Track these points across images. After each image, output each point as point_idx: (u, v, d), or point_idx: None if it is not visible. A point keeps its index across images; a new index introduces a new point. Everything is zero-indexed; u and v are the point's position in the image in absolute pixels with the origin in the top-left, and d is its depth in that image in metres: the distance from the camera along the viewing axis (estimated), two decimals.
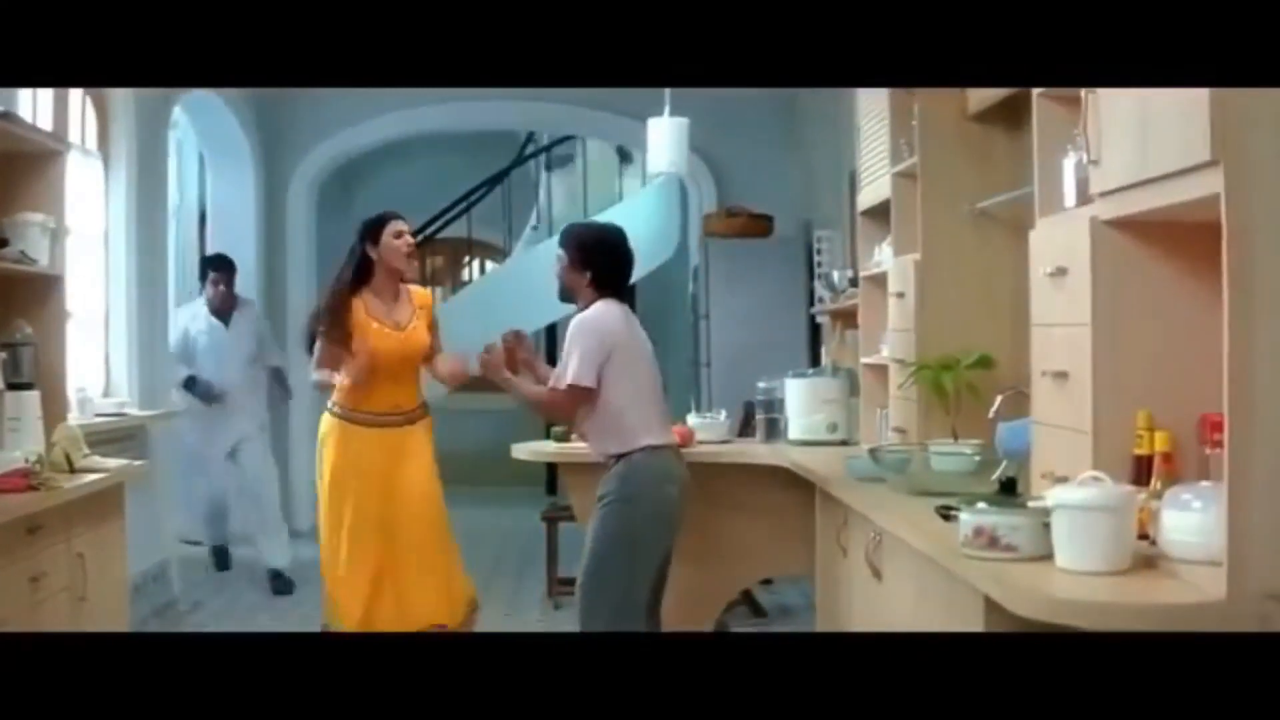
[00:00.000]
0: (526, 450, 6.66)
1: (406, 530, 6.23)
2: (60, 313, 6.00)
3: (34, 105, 6.50)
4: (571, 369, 5.27)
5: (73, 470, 5.47)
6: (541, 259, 13.48)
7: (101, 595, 5.43)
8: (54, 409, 5.72)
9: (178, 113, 9.62)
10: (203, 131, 10.62)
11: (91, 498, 5.39)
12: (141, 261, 8.27)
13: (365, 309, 6.21)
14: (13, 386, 5.53)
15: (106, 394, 7.90)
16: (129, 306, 8.18)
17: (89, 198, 7.81)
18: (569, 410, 5.41)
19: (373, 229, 6.28)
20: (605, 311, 5.37)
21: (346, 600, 6.23)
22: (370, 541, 6.19)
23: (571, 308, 5.51)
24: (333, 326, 6.17)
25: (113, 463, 5.64)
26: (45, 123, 6.46)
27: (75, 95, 7.47)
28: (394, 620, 6.19)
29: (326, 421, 6.26)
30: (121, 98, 8.14)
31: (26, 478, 5.01)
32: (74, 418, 6.25)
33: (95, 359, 7.94)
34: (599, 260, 5.44)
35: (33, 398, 5.54)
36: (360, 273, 6.26)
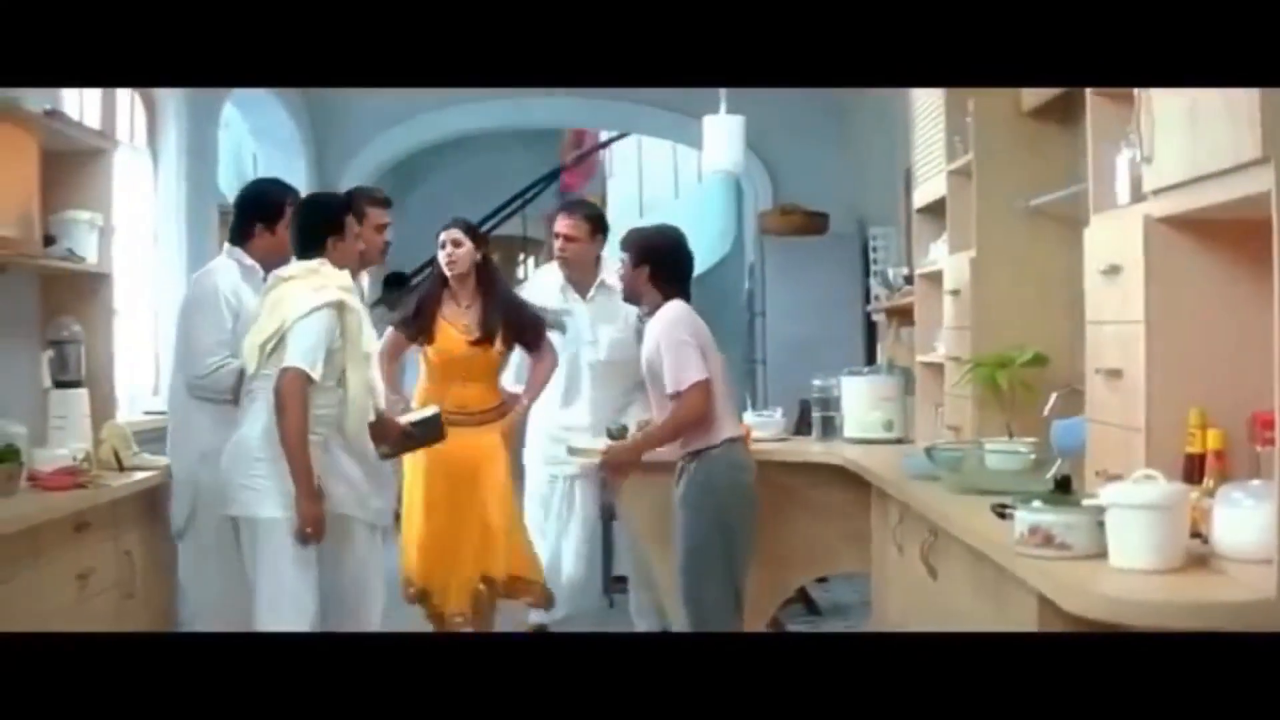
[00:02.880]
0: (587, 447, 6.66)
1: (474, 508, 6.37)
2: (108, 310, 6.07)
3: (81, 102, 6.53)
4: (690, 367, 5.32)
5: (122, 468, 5.52)
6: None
7: (150, 593, 5.48)
8: (102, 407, 5.80)
9: (229, 109, 9.61)
10: (255, 128, 10.63)
11: (140, 495, 5.45)
12: (192, 259, 8.20)
13: (440, 308, 6.47)
14: (61, 384, 5.58)
15: (156, 392, 7.92)
16: (179, 305, 8.10)
17: (138, 194, 7.81)
18: (704, 406, 5.34)
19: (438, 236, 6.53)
20: (685, 310, 5.48)
21: (406, 559, 6.52)
22: (432, 515, 6.45)
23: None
24: (416, 318, 6.47)
25: (163, 460, 5.67)
26: (93, 120, 6.50)
27: (124, 92, 7.50)
28: (444, 575, 6.42)
29: None
30: (171, 94, 8.15)
31: (73, 475, 5.06)
32: (123, 416, 6.30)
33: (145, 357, 7.95)
34: (669, 263, 5.55)
35: (80, 395, 5.59)
36: (441, 273, 6.53)
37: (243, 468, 4.83)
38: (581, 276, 6.83)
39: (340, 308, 4.85)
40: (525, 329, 6.55)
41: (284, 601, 4.78)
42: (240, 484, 4.83)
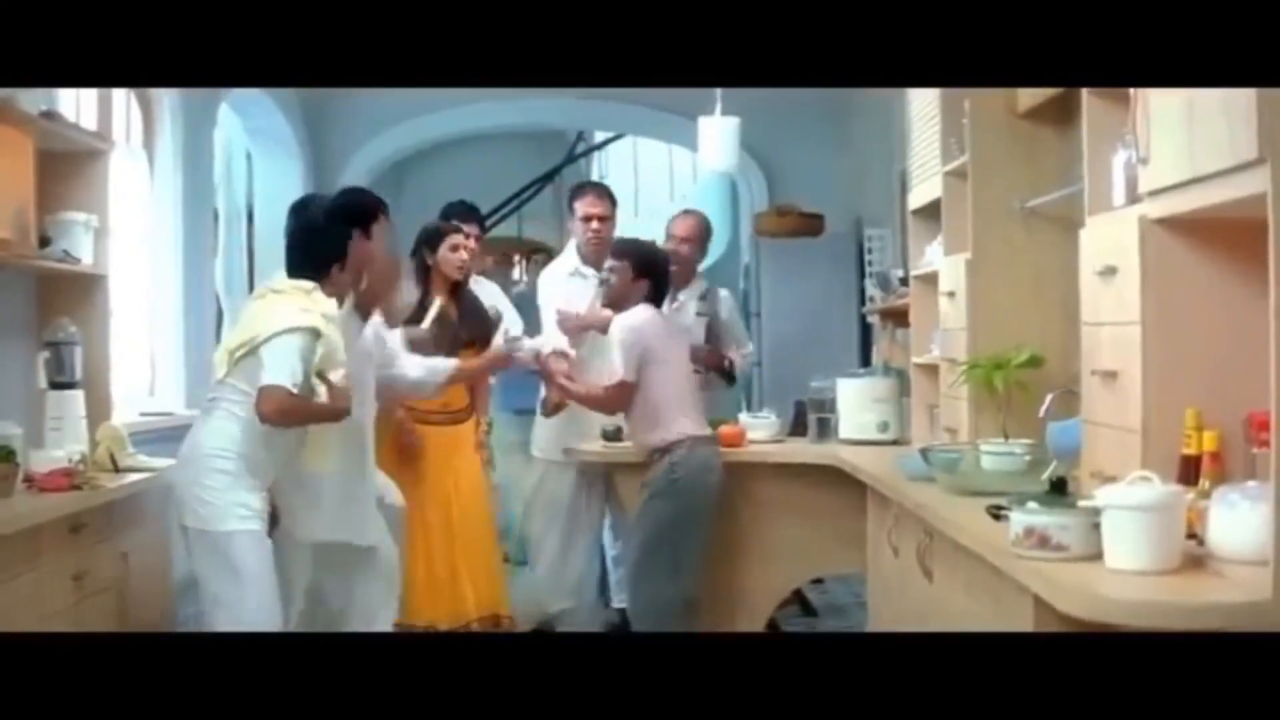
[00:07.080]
0: (583, 448, 6.66)
1: (453, 526, 6.31)
2: (104, 311, 6.08)
3: (77, 103, 6.50)
4: (626, 367, 5.77)
5: (117, 469, 5.52)
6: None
7: (146, 594, 5.47)
8: (98, 408, 5.80)
9: (224, 110, 9.54)
10: (250, 129, 10.54)
11: (136, 497, 5.46)
12: (188, 261, 8.24)
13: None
14: (57, 386, 5.58)
15: (152, 394, 7.90)
16: (176, 306, 8.14)
17: (134, 196, 7.76)
18: (621, 404, 5.89)
19: (431, 240, 6.40)
20: (637, 313, 5.87)
21: None
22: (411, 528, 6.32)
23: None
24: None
25: (159, 462, 5.66)
26: (89, 121, 6.48)
27: (119, 93, 7.45)
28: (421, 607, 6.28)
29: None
30: (166, 95, 8.12)
31: (69, 477, 5.05)
32: (119, 417, 6.27)
33: (141, 359, 7.91)
34: (660, 277, 6.00)
35: (76, 397, 5.59)
36: (423, 278, 6.41)
37: (198, 477, 4.65)
38: (600, 259, 6.58)
39: (316, 335, 4.63)
40: (486, 329, 6.47)
41: (242, 617, 4.59)
42: (195, 495, 4.63)
